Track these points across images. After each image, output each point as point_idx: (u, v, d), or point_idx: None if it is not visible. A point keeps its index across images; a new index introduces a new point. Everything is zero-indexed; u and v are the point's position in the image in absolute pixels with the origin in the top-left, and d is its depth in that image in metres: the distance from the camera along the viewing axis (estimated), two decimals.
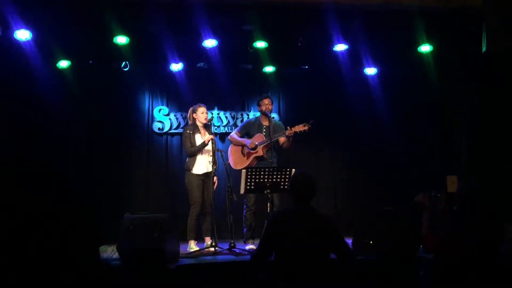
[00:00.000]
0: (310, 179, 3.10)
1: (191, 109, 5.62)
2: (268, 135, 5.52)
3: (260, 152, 5.54)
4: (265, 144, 5.52)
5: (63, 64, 6.20)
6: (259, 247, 3.12)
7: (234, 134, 5.83)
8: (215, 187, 5.55)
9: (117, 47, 5.84)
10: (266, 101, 5.64)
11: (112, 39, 5.70)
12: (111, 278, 1.84)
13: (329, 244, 3.01)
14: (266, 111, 5.58)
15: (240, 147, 5.70)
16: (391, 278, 4.10)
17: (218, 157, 5.44)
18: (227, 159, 5.69)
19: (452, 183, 5.73)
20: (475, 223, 3.03)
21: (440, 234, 3.12)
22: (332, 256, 3.08)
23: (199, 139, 5.45)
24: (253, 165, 5.48)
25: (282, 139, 5.58)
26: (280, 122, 5.97)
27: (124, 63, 6.30)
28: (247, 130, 5.77)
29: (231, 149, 5.79)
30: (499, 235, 3.08)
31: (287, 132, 5.40)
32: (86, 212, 1.17)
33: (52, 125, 6.41)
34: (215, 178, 5.52)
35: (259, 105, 5.71)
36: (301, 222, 2.98)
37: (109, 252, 4.65)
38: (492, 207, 3.12)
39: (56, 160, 6.31)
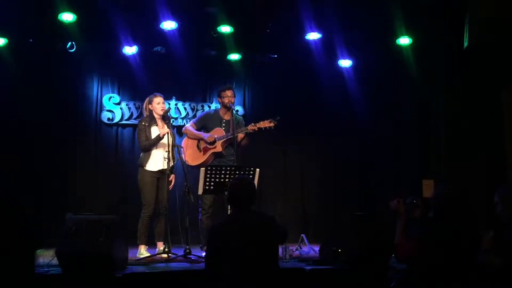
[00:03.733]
0: (249, 186, 3.35)
1: (147, 99, 5.53)
2: (228, 130, 5.51)
3: (218, 148, 5.51)
4: (225, 139, 5.50)
5: None
6: (208, 264, 3.22)
7: (189, 126, 5.78)
8: (171, 186, 5.50)
9: (62, 25, 5.71)
10: (229, 92, 5.60)
11: (57, 15, 5.56)
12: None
13: (275, 245, 3.26)
14: (228, 103, 5.57)
15: (196, 141, 5.67)
16: None
17: (176, 153, 5.38)
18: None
19: (428, 188, 5.85)
20: (451, 231, 3.10)
21: (413, 241, 3.19)
22: None
23: (155, 132, 5.37)
24: (210, 162, 5.46)
25: (240, 136, 5.55)
26: (240, 117, 5.95)
27: (70, 43, 6.17)
28: (205, 123, 5.73)
29: (185, 142, 5.73)
30: (475, 244, 3.17)
31: (250, 128, 5.40)
32: (19, 213, 1.14)
33: None
34: (172, 176, 5.47)
35: (220, 97, 5.67)
36: (243, 230, 3.13)
37: (48, 256, 4.53)
38: (469, 214, 3.20)
39: None
